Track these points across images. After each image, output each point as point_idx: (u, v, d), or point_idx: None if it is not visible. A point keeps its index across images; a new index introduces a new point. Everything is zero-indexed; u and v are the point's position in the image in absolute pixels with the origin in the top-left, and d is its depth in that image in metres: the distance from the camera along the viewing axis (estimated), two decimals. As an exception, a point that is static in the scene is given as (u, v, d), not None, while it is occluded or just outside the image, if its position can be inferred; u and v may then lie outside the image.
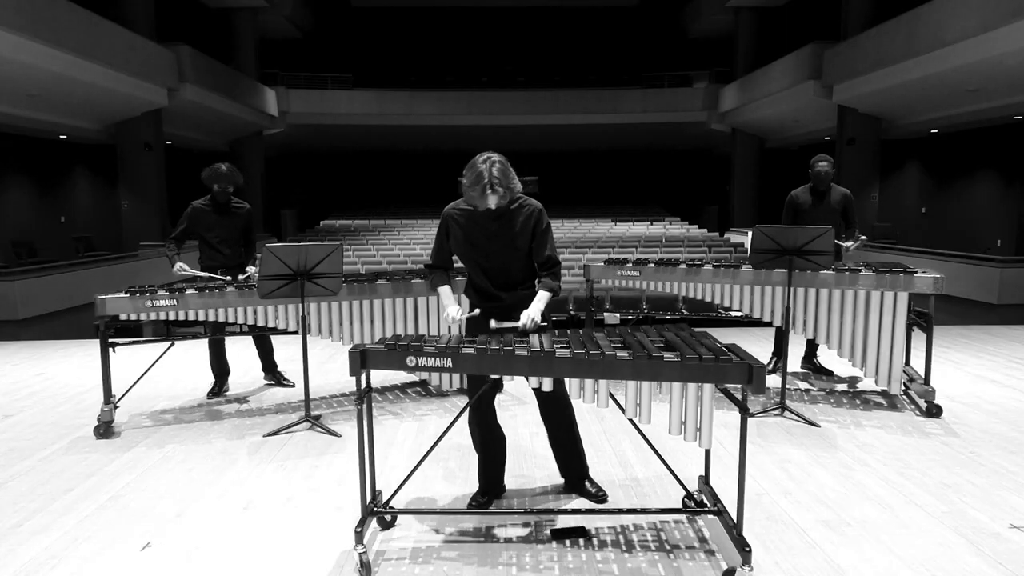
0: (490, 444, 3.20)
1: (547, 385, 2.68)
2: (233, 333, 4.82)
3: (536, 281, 3.16)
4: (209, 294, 4.31)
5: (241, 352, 6.27)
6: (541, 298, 3.06)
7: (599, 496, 3.23)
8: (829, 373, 5.34)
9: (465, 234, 3.10)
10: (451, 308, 3.14)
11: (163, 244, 5.01)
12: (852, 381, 5.19)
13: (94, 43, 12.50)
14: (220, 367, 5.11)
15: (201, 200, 4.96)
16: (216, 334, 4.85)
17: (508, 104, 22.49)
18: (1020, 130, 14.15)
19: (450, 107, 22.57)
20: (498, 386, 4.95)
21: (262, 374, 5.42)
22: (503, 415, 4.42)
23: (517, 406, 4.69)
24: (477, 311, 3.11)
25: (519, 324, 2.97)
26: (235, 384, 5.35)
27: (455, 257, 3.28)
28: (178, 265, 4.74)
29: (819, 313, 4.52)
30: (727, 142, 23.28)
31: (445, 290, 3.23)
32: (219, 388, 5.09)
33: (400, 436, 4.15)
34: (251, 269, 5.02)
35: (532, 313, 2.99)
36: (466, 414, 3.11)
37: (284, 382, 5.32)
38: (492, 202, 2.91)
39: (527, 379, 2.67)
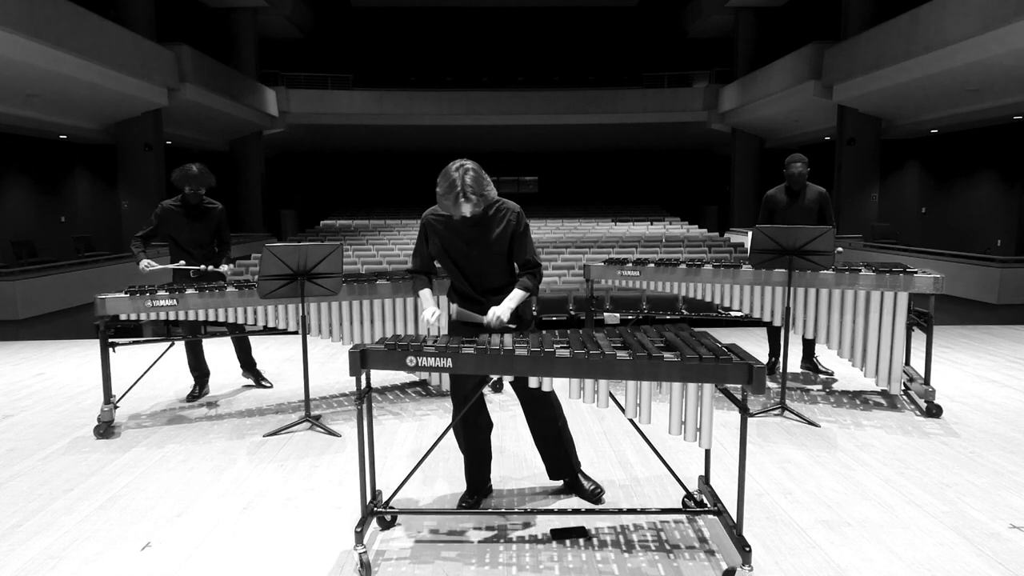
0: (474, 441, 3.18)
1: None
2: (213, 335, 4.74)
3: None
4: (209, 294, 4.31)
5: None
6: (513, 296, 3.05)
7: (596, 493, 3.22)
8: (829, 373, 5.34)
9: (444, 240, 3.09)
10: (427, 311, 3.13)
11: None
12: (852, 381, 5.19)
13: (94, 43, 12.50)
14: (199, 369, 5.01)
15: (171, 200, 4.85)
16: (195, 335, 4.79)
17: (508, 104, 22.49)
18: (1020, 130, 14.15)
19: (450, 107, 22.56)
20: (497, 386, 4.97)
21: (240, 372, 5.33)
22: (503, 415, 4.43)
23: (517, 406, 4.68)
24: (455, 311, 3.11)
25: (483, 320, 3.00)
26: (235, 384, 5.35)
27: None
28: (144, 261, 4.64)
29: (819, 313, 4.52)
30: (727, 142, 23.29)
31: (425, 293, 3.22)
32: (199, 391, 4.99)
33: (400, 436, 4.15)
34: (225, 267, 4.90)
35: (499, 311, 2.99)
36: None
37: (263, 383, 5.26)
38: (466, 210, 2.91)
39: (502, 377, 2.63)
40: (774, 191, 5.26)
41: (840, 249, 5.20)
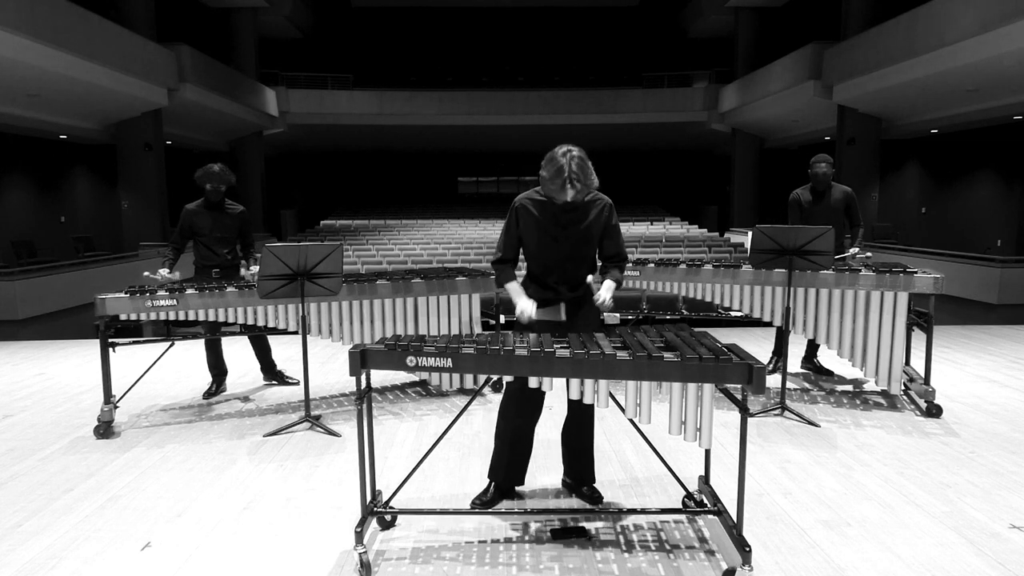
0: (520, 443, 3.21)
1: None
2: (231, 333, 4.82)
3: (600, 273, 3.23)
4: (209, 294, 4.31)
5: (241, 352, 6.26)
6: (609, 286, 3.13)
7: (594, 497, 3.23)
8: (829, 373, 5.34)
9: (538, 224, 3.10)
10: (524, 303, 3.07)
11: (165, 244, 5.04)
12: (852, 381, 5.19)
13: (94, 43, 12.50)
14: (218, 367, 5.10)
15: (193, 203, 5.00)
16: (214, 334, 4.86)
17: (508, 104, 22.48)
18: (1020, 130, 14.15)
19: (450, 107, 22.56)
20: (497, 386, 4.96)
21: (261, 375, 5.41)
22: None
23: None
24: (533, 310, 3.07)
25: (596, 299, 3.04)
26: (235, 384, 5.35)
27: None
28: (159, 271, 4.71)
29: (819, 313, 4.52)
30: (727, 142, 23.28)
31: (513, 286, 3.17)
32: (216, 388, 5.08)
33: (400, 436, 4.15)
34: (244, 271, 5.05)
35: (606, 295, 3.06)
36: (465, 414, 3.11)
37: (288, 380, 5.32)
38: (570, 195, 2.94)
39: (567, 390, 2.62)
40: (799, 192, 5.20)
41: (856, 250, 5.15)
